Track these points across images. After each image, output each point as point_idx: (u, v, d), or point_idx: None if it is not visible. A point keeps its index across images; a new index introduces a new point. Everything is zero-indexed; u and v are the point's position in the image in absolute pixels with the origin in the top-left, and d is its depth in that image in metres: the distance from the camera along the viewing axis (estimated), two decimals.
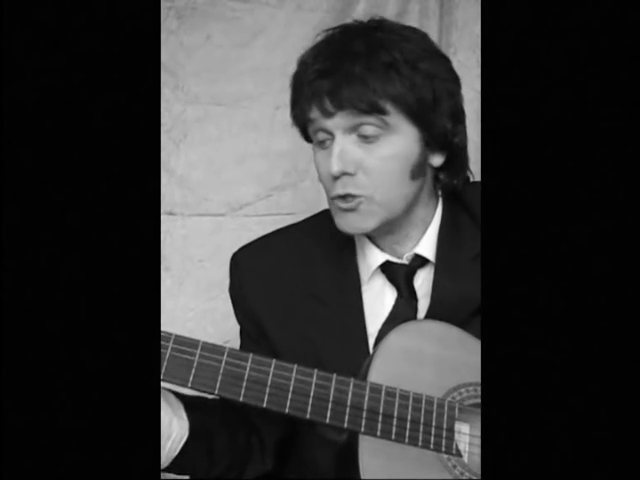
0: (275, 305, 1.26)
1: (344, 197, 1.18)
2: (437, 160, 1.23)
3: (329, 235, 1.28)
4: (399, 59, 1.16)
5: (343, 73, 1.15)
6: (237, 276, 1.31)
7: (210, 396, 1.21)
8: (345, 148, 1.17)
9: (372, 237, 1.26)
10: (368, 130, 1.16)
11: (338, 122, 1.16)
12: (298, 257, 1.28)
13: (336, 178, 1.17)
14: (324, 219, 1.32)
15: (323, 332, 1.23)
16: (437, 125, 1.20)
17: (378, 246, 1.26)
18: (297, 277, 1.27)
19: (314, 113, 1.18)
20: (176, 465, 1.17)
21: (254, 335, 1.29)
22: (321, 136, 1.19)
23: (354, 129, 1.16)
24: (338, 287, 1.25)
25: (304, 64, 1.21)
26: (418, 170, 1.20)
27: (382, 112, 1.15)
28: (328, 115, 1.16)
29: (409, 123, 1.17)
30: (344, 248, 1.28)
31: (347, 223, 1.20)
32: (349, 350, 1.20)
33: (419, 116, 1.17)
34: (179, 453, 1.15)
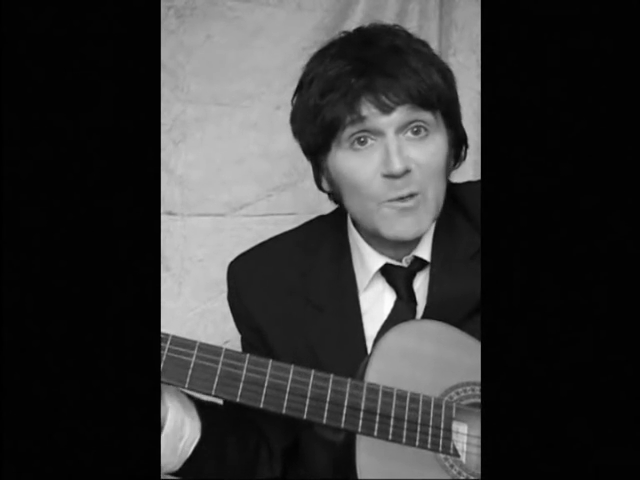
0: (273, 312, 1.26)
1: (402, 198, 1.15)
2: (451, 163, 1.24)
3: (324, 241, 1.28)
4: (434, 58, 1.19)
5: (398, 66, 1.13)
6: (234, 284, 1.30)
7: (219, 401, 1.22)
8: (401, 146, 1.14)
9: (370, 242, 1.25)
10: (420, 126, 1.15)
11: (394, 118, 1.13)
12: (294, 264, 1.28)
13: (393, 177, 1.13)
14: (319, 225, 1.32)
15: (321, 338, 1.23)
16: (460, 127, 1.23)
17: (376, 249, 1.25)
18: (294, 284, 1.26)
19: (367, 110, 1.13)
20: (187, 468, 1.16)
21: (254, 342, 1.28)
22: (362, 137, 1.15)
23: (406, 126, 1.15)
24: (334, 293, 1.25)
25: (329, 60, 1.17)
26: (448, 169, 1.22)
27: (434, 107, 1.15)
28: (387, 110, 1.13)
29: (443, 123, 1.19)
30: (340, 253, 1.27)
31: (405, 228, 1.17)
32: (348, 355, 1.20)
33: (452, 115, 1.20)
34: (191, 456, 1.15)
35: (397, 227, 1.17)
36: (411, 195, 1.15)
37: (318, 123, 1.17)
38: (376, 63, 1.14)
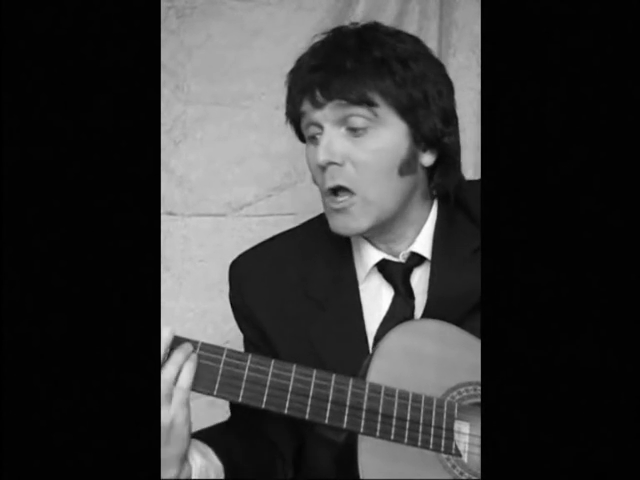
0: (275, 310, 1.26)
1: (335, 192, 1.19)
2: (427, 159, 1.23)
3: (325, 238, 1.28)
4: (391, 56, 1.18)
5: (334, 66, 1.17)
6: (236, 283, 1.31)
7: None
8: (333, 139, 1.18)
9: (368, 236, 1.26)
10: (357, 122, 1.17)
11: (327, 113, 1.18)
12: (295, 261, 1.28)
13: (323, 169, 1.18)
14: (320, 223, 1.32)
15: (323, 334, 1.23)
16: (426, 122, 1.20)
17: (374, 245, 1.26)
18: (295, 281, 1.27)
19: (305, 106, 1.20)
20: None
21: (256, 341, 1.29)
22: (312, 130, 1.21)
23: (343, 121, 1.18)
24: (335, 289, 1.25)
25: (299, 63, 1.24)
26: (407, 167, 1.20)
27: (371, 104, 1.16)
28: (318, 106, 1.18)
29: (398, 117, 1.18)
30: (340, 249, 1.28)
31: (341, 225, 1.21)
32: (349, 351, 1.20)
33: (408, 111, 1.18)
34: None
35: (336, 223, 1.22)
36: (343, 190, 1.18)
37: (287, 114, 1.26)
38: (323, 62, 1.19)
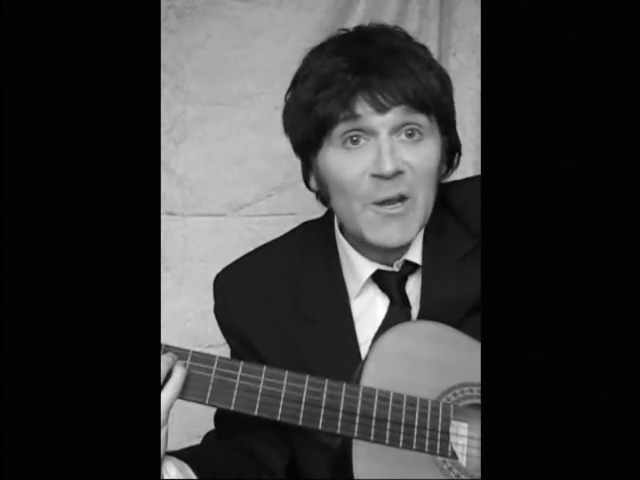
0: (263, 323, 1.24)
1: (391, 201, 1.14)
2: (443, 170, 1.23)
3: (312, 250, 1.27)
4: (432, 63, 1.17)
5: (395, 66, 1.13)
6: (222, 297, 1.29)
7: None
8: (395, 147, 1.13)
9: (358, 248, 1.24)
10: (415, 129, 1.14)
11: (389, 119, 1.13)
12: (282, 274, 1.26)
13: (385, 178, 1.13)
14: (306, 233, 1.30)
15: (314, 349, 1.21)
16: (455, 134, 1.21)
17: (366, 256, 1.23)
18: (283, 294, 1.24)
19: (361, 109, 1.13)
20: None
21: (245, 355, 1.25)
22: (352, 135, 1.14)
23: (400, 127, 1.14)
24: (325, 303, 1.23)
25: (326, 56, 1.16)
26: (440, 176, 1.21)
27: (429, 110, 1.14)
28: (381, 110, 1.12)
29: (438, 128, 1.18)
30: (328, 262, 1.26)
31: (389, 235, 1.16)
32: (341, 366, 1.17)
33: (446, 121, 1.18)
34: None
35: (382, 233, 1.16)
36: (401, 198, 1.14)
37: (311, 119, 1.16)
38: (373, 62, 1.13)
